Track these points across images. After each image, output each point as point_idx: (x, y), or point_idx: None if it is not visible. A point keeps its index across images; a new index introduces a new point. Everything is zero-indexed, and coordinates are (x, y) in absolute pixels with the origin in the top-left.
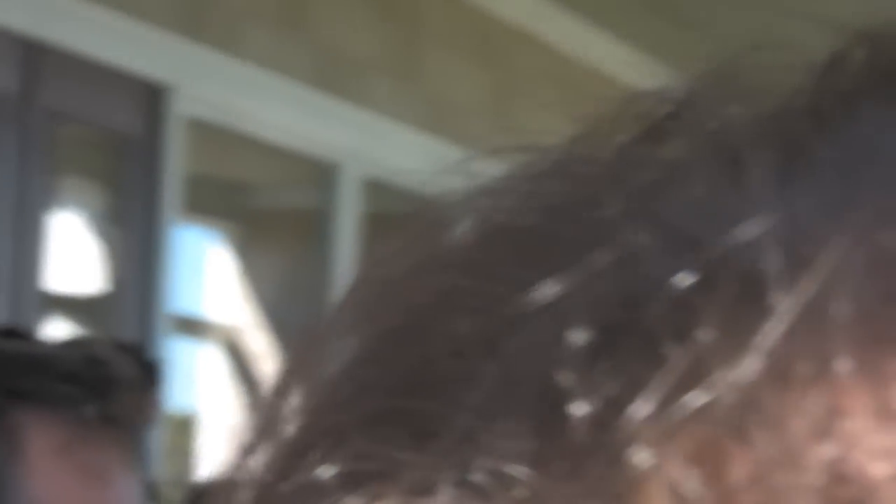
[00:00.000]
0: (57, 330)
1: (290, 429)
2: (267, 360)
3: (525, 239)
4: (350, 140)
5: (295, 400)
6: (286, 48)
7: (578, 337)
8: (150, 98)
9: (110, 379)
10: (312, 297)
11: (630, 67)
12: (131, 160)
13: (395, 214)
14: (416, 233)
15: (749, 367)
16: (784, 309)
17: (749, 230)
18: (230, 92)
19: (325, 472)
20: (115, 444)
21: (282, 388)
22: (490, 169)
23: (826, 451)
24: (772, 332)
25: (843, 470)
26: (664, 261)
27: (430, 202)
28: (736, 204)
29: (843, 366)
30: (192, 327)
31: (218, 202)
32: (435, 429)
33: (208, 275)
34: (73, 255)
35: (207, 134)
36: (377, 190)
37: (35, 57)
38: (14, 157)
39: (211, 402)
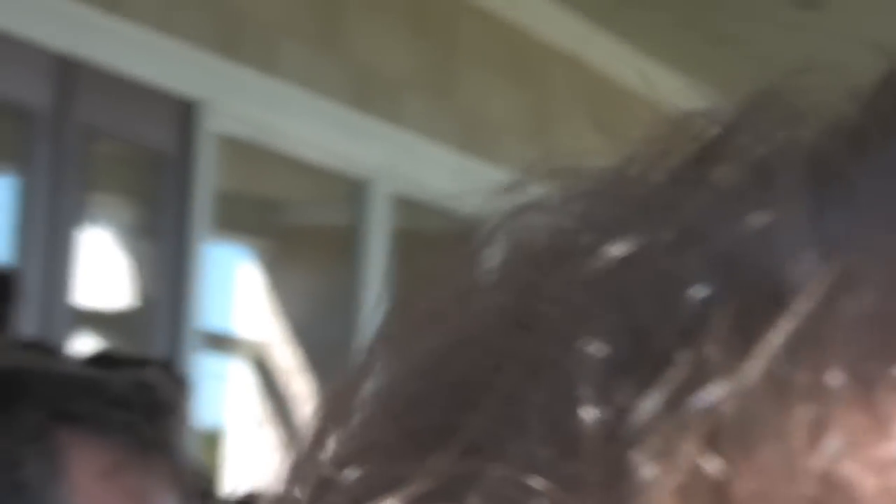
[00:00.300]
0: (87, 345)
1: (334, 444)
2: (296, 377)
3: (576, 260)
4: (382, 157)
5: (340, 419)
6: (320, 65)
7: (600, 349)
8: (183, 114)
9: (159, 405)
10: (342, 314)
11: (666, 86)
12: (164, 176)
13: (426, 231)
14: (462, 251)
15: (748, 374)
16: (786, 320)
17: (777, 251)
18: (262, 109)
19: (355, 475)
20: (160, 470)
21: (328, 412)
22: (527, 189)
23: (819, 462)
24: (772, 341)
25: (836, 481)
26: (694, 276)
27: (476, 219)
28: (773, 228)
29: (836, 378)
30: (222, 343)
31: (249, 219)
32: (467, 439)
33: (238, 291)
34: (104, 270)
35: (239, 151)
36: (409, 207)
37: (69, 73)
38: (47, 172)
39: (239, 418)
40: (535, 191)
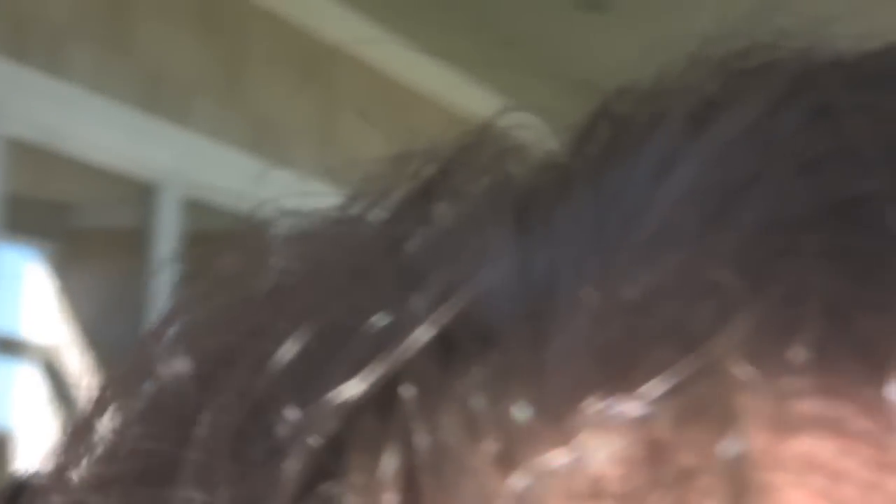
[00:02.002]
0: None
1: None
2: (85, 380)
3: (293, 305)
4: (171, 160)
5: (83, 446)
6: (108, 68)
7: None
8: None
9: None
10: (132, 317)
11: (454, 89)
12: None
13: (217, 233)
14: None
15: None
16: (478, 358)
17: (481, 291)
18: (52, 112)
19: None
20: None
21: (83, 424)
22: (312, 190)
23: (510, 497)
24: (465, 377)
25: None
26: (415, 317)
27: (259, 222)
28: (478, 269)
29: (522, 411)
30: (11, 347)
31: (38, 222)
32: (189, 478)
33: (27, 294)
34: None
35: (28, 153)
36: (198, 209)
37: None
38: None
39: (29, 422)
40: (315, 192)
